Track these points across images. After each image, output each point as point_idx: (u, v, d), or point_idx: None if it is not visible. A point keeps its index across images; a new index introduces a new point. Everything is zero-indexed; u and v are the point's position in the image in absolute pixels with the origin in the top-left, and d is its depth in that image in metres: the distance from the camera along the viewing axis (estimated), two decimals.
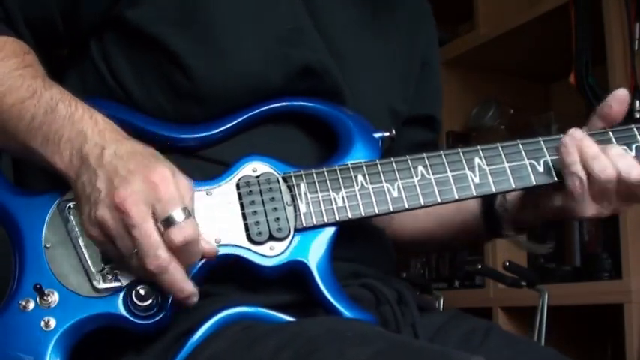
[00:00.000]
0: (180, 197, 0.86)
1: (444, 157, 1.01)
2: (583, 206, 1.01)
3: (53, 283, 0.90)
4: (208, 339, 0.90)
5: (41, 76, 0.96)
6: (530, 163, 1.02)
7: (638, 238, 2.05)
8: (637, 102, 2.05)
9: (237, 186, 0.96)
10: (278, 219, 0.95)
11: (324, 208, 0.96)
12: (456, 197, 1.00)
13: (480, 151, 1.02)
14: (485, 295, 2.51)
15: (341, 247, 0.98)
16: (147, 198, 0.85)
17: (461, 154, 1.01)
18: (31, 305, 0.89)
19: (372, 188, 0.98)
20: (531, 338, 1.99)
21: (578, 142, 0.99)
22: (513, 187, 1.02)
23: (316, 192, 0.97)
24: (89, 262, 0.91)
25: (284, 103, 1.03)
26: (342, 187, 0.97)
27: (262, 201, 0.96)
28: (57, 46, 1.09)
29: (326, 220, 0.96)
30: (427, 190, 0.99)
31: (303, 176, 0.97)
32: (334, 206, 0.97)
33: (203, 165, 1.00)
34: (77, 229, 0.92)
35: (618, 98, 1.03)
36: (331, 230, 0.97)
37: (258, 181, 0.97)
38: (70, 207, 0.93)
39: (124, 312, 0.90)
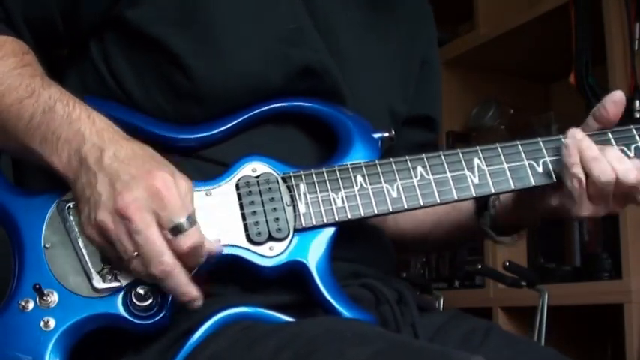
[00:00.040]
0: (184, 205, 0.86)
1: (443, 157, 1.01)
2: (580, 206, 1.01)
3: (53, 283, 0.90)
4: (208, 339, 0.90)
5: (40, 75, 0.96)
6: (529, 164, 1.02)
7: (638, 238, 2.05)
8: (637, 102, 2.05)
9: (237, 186, 0.96)
10: (277, 219, 0.95)
11: (323, 208, 0.96)
12: (455, 198, 1.00)
13: (479, 151, 1.02)
14: (485, 295, 2.51)
15: (341, 248, 0.98)
16: (150, 205, 0.85)
17: (460, 155, 1.01)
18: (31, 305, 0.89)
19: (372, 189, 0.98)
20: (531, 338, 1.99)
21: (578, 142, 0.99)
22: (512, 187, 1.02)
23: (315, 192, 0.97)
24: (88, 262, 0.91)
25: (284, 104, 1.03)
26: (342, 188, 0.97)
27: (262, 201, 0.96)
28: (57, 46, 1.09)
29: (325, 221, 0.96)
30: (426, 190, 0.99)
31: (303, 176, 0.97)
32: (333, 206, 0.97)
33: (203, 165, 1.00)
34: (76, 230, 0.92)
35: (614, 100, 1.03)
36: (331, 230, 0.97)
37: (257, 182, 0.97)
38: (69, 207, 0.93)
39: (123, 312, 0.90)
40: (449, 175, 1.00)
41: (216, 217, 0.94)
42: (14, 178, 1.05)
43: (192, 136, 1.01)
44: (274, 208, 0.96)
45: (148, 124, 1.00)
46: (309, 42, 1.05)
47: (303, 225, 0.95)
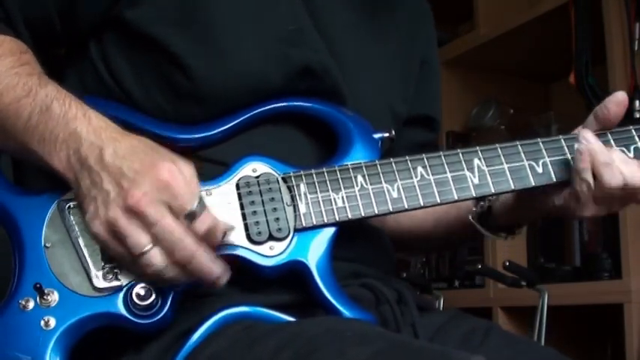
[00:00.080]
0: (192, 190, 0.87)
1: (443, 157, 1.01)
2: (584, 208, 1.02)
3: (53, 282, 0.90)
4: (208, 338, 0.90)
5: (37, 74, 0.96)
6: (529, 164, 1.02)
7: (638, 238, 2.06)
8: (637, 102, 2.05)
9: (237, 186, 0.96)
10: (278, 219, 0.95)
11: (323, 208, 0.96)
12: (456, 198, 1.00)
13: (479, 151, 1.02)
14: (485, 295, 2.51)
15: (341, 248, 0.98)
16: (160, 197, 0.86)
17: (460, 155, 1.01)
18: (31, 305, 0.89)
19: (372, 189, 0.98)
20: (531, 338, 1.99)
21: (591, 146, 0.99)
22: (512, 187, 1.02)
23: (316, 192, 0.97)
24: (89, 261, 0.91)
25: (284, 104, 1.03)
26: (342, 188, 0.98)
27: (262, 201, 0.96)
28: (55, 46, 1.09)
29: (326, 221, 0.96)
30: (426, 190, 0.99)
31: (303, 176, 0.98)
32: (334, 206, 0.97)
33: (203, 165, 1.00)
34: (77, 229, 0.92)
35: (617, 101, 1.03)
36: (331, 230, 0.97)
37: (258, 181, 0.97)
38: (69, 206, 0.93)
39: (123, 311, 0.90)
40: (449, 175, 1.00)
41: (217, 217, 0.94)
42: (14, 177, 1.05)
43: (192, 136, 1.01)
44: (275, 208, 0.96)
45: (147, 124, 1.00)
46: (309, 42, 1.05)
47: (304, 225, 0.95)
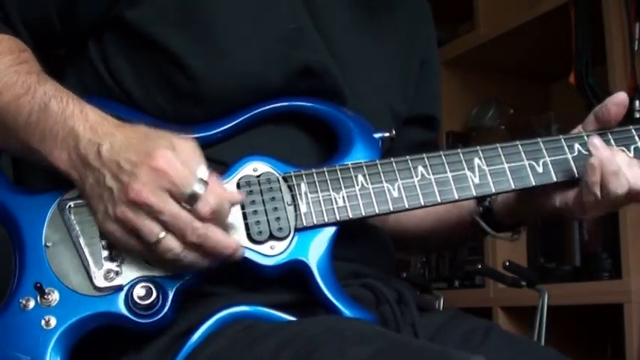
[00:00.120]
0: (190, 172, 0.87)
1: (443, 157, 1.01)
2: (587, 213, 1.03)
3: (53, 282, 0.90)
4: (209, 338, 0.90)
5: (36, 72, 0.97)
6: (529, 164, 1.02)
7: (638, 238, 2.05)
8: (637, 102, 2.05)
9: (238, 185, 0.96)
10: (278, 218, 0.95)
11: (324, 207, 0.96)
12: (456, 197, 1.00)
13: (480, 151, 1.02)
14: (485, 295, 2.51)
15: (341, 247, 0.98)
16: (160, 185, 0.86)
17: (460, 155, 1.01)
18: (32, 304, 0.89)
19: (373, 188, 0.98)
20: (531, 338, 1.99)
21: (600, 155, 0.99)
22: (513, 187, 1.02)
23: (317, 191, 0.97)
24: (89, 260, 0.91)
25: (284, 103, 1.03)
26: (343, 187, 0.98)
27: (263, 200, 0.96)
28: (55, 46, 1.10)
29: (326, 220, 0.96)
30: (427, 190, 0.99)
31: (304, 176, 0.98)
32: (335, 206, 0.97)
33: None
34: (77, 228, 0.92)
35: (617, 102, 1.03)
36: (332, 230, 0.97)
37: (258, 181, 0.97)
38: (70, 206, 0.93)
39: (124, 311, 0.90)
40: (449, 174, 1.00)
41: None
42: (14, 176, 1.05)
43: (193, 136, 1.00)
44: (275, 208, 0.96)
45: (147, 124, 1.00)
46: (309, 42, 1.06)
47: (304, 224, 0.95)
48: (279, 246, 0.94)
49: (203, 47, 1.00)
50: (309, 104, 1.04)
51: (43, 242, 0.92)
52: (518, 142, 1.03)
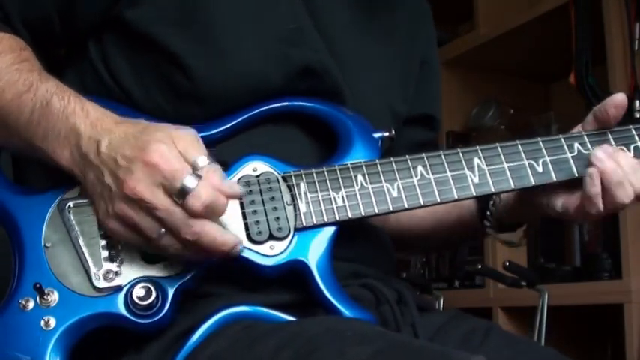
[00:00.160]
0: (183, 166, 0.86)
1: (443, 157, 1.01)
2: (590, 218, 1.03)
3: (53, 282, 0.90)
4: (209, 338, 0.90)
5: (37, 70, 0.97)
6: (529, 164, 1.02)
7: (638, 238, 2.06)
8: (637, 102, 2.05)
9: None
10: (278, 218, 0.95)
11: (324, 207, 0.96)
12: (456, 197, 1.00)
13: (479, 151, 1.02)
14: (485, 295, 2.51)
15: (341, 247, 0.98)
16: (153, 180, 0.85)
17: (460, 154, 1.01)
18: (31, 304, 0.89)
19: (372, 188, 0.98)
20: (531, 338, 1.99)
21: (603, 165, 1.00)
22: (512, 187, 1.02)
23: (316, 191, 0.97)
24: (89, 261, 0.91)
25: (284, 103, 1.03)
26: (342, 187, 0.98)
27: (262, 200, 0.96)
28: (54, 46, 1.10)
29: (326, 220, 0.96)
30: (426, 189, 0.99)
31: (303, 176, 0.98)
32: (334, 206, 0.97)
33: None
34: (77, 229, 0.92)
35: (615, 103, 1.03)
36: (331, 230, 0.97)
37: (258, 181, 0.97)
38: (70, 206, 0.93)
39: (124, 311, 0.90)
40: (449, 174, 1.00)
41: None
42: (14, 176, 1.05)
43: None
44: (275, 208, 0.96)
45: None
46: (309, 42, 1.06)
47: (304, 224, 0.95)
48: (278, 246, 0.94)
49: (203, 47, 1.00)
50: (308, 104, 1.04)
51: (43, 242, 0.92)
52: (517, 142, 1.03)
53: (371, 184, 0.98)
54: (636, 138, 1.05)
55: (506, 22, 2.50)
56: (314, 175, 0.98)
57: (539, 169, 1.02)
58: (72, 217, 0.92)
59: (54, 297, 0.90)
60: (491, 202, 1.14)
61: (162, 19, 1.01)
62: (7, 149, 1.02)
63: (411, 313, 1.00)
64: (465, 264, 2.62)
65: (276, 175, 0.97)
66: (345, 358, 0.78)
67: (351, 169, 0.99)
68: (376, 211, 0.98)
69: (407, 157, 1.00)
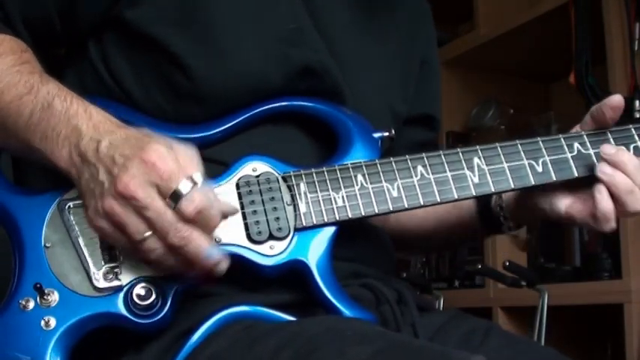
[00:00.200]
0: (180, 169, 0.85)
1: (443, 156, 1.01)
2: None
3: (53, 282, 0.90)
4: (209, 338, 0.90)
5: (38, 72, 0.96)
6: (529, 163, 1.02)
7: (638, 238, 2.06)
8: (637, 102, 2.05)
9: (237, 185, 0.96)
10: (278, 218, 0.95)
11: (324, 207, 0.96)
12: (456, 197, 1.00)
13: (479, 151, 1.02)
14: (485, 295, 2.51)
15: (341, 247, 0.98)
16: (148, 178, 0.84)
17: (460, 154, 1.01)
18: (31, 305, 0.89)
19: (372, 188, 0.98)
20: (531, 338, 1.99)
21: (611, 178, 1.00)
22: (512, 186, 1.02)
23: (316, 191, 0.97)
24: (89, 261, 0.91)
25: (284, 103, 1.03)
26: (342, 187, 0.98)
27: (262, 200, 0.96)
28: (55, 46, 1.10)
29: (326, 220, 0.96)
30: (426, 189, 0.99)
31: (303, 176, 0.98)
32: (334, 206, 0.97)
33: (203, 165, 0.99)
34: (77, 229, 0.92)
35: (612, 105, 1.03)
36: (331, 230, 0.97)
37: (258, 181, 0.97)
38: (69, 206, 0.93)
39: (124, 311, 0.90)
40: (449, 174, 1.00)
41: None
42: (14, 177, 1.05)
43: (192, 136, 1.00)
44: (275, 207, 0.96)
45: (147, 124, 0.99)
46: (309, 42, 1.06)
47: (304, 224, 0.95)
48: (278, 246, 0.94)
49: (203, 47, 1.00)
50: (308, 104, 1.04)
51: (43, 243, 0.92)
52: (517, 142, 1.03)
53: (371, 183, 0.98)
54: (636, 137, 1.05)
55: (506, 22, 2.50)
56: (314, 175, 0.98)
57: (539, 169, 1.02)
58: (72, 218, 0.92)
59: (54, 297, 0.90)
60: (493, 202, 1.14)
61: (162, 19, 1.01)
62: (5, 150, 1.02)
63: (411, 313, 1.00)
64: (465, 264, 2.62)
65: (276, 175, 0.98)
66: (345, 358, 0.78)
67: (351, 169, 0.99)
68: (376, 211, 0.98)
69: (407, 156, 1.00)
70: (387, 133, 1.05)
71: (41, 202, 0.93)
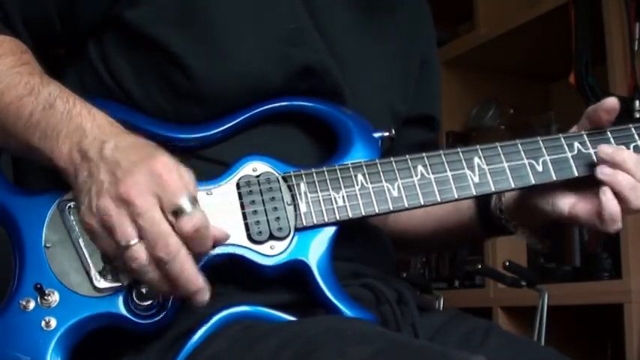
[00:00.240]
0: (185, 186, 0.85)
1: (443, 156, 1.01)
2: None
3: (53, 282, 0.90)
4: (209, 339, 0.90)
5: (38, 73, 0.96)
6: (529, 163, 1.02)
7: (638, 238, 2.05)
8: (637, 102, 2.05)
9: (238, 185, 0.96)
10: (278, 218, 0.95)
11: (324, 207, 0.96)
12: (456, 196, 1.00)
13: (480, 150, 1.02)
14: (485, 295, 2.51)
15: (341, 247, 0.98)
16: (152, 188, 0.84)
17: (460, 154, 1.01)
18: (32, 305, 0.89)
19: (372, 187, 0.98)
20: (531, 338, 1.99)
21: (613, 177, 1.00)
22: (512, 186, 1.02)
23: (316, 191, 0.97)
24: (89, 261, 0.91)
25: (284, 103, 1.03)
26: (342, 187, 0.98)
27: (262, 200, 0.96)
28: (54, 46, 1.10)
29: (326, 220, 0.96)
30: (427, 189, 0.99)
31: (303, 176, 0.98)
32: (334, 205, 0.97)
33: (203, 165, 1.00)
34: (77, 229, 0.92)
35: (607, 108, 1.03)
36: (331, 230, 0.97)
37: (258, 181, 0.97)
38: (70, 206, 0.93)
39: (124, 312, 0.90)
40: (449, 174, 1.00)
41: (217, 217, 0.93)
42: (14, 177, 1.05)
43: (192, 136, 1.01)
44: (275, 207, 0.96)
45: (147, 124, 1.00)
46: (309, 42, 1.06)
47: (304, 224, 0.95)
48: (279, 246, 0.94)
49: (203, 47, 1.00)
50: (308, 104, 1.04)
51: (43, 243, 0.92)
52: (517, 141, 1.03)
53: (371, 183, 0.98)
54: (636, 137, 1.05)
55: (506, 22, 2.50)
56: (314, 174, 0.98)
57: (539, 169, 1.02)
58: (72, 218, 0.92)
59: (54, 297, 0.89)
60: (493, 204, 1.14)
61: (162, 19, 1.01)
62: (4, 150, 1.02)
63: (411, 313, 1.00)
64: (465, 264, 2.62)
65: (277, 175, 0.98)
66: (345, 358, 0.78)
67: (351, 169, 0.99)
68: (377, 211, 0.98)
69: (407, 156, 1.00)
70: (387, 133, 1.05)
71: (41, 203, 0.93)
